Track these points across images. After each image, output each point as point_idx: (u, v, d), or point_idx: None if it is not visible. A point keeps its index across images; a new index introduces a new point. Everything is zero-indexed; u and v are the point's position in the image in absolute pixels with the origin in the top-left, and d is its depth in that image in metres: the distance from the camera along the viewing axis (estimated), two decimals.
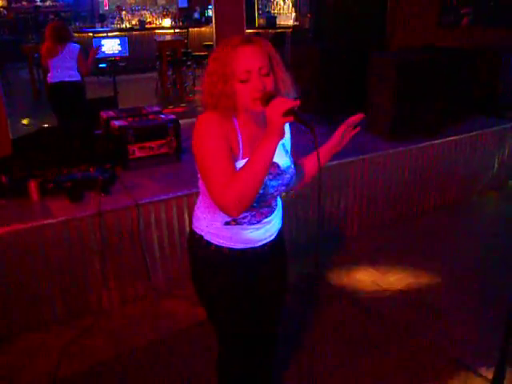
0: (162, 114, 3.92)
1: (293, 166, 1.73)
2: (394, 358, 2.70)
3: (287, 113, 1.39)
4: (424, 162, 4.27)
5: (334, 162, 3.68)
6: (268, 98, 1.48)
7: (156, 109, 4.09)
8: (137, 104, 5.40)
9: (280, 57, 1.62)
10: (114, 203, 3.03)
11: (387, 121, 4.21)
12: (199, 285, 1.84)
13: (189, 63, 10.00)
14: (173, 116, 3.82)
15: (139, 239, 3.07)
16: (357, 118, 1.68)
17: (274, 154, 1.45)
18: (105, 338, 2.91)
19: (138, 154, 3.57)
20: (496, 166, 4.86)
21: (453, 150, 4.43)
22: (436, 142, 4.29)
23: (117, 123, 3.61)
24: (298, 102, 1.40)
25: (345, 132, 1.73)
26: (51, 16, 12.93)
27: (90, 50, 5.67)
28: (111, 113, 3.94)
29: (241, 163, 1.57)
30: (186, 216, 3.20)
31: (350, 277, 3.47)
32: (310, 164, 1.88)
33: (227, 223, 1.68)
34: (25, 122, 7.12)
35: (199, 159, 1.57)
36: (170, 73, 9.73)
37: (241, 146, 1.60)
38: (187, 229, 3.22)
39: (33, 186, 3.04)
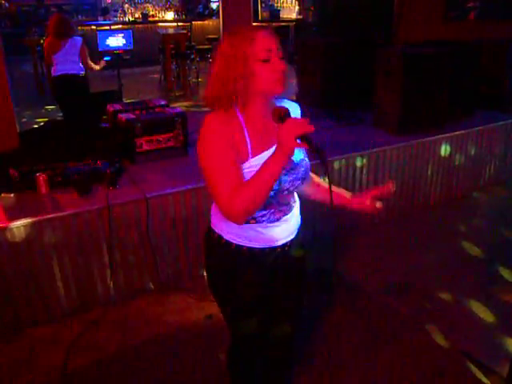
0: (169, 107, 3.92)
1: (306, 159, 1.71)
2: (403, 351, 2.70)
3: (301, 138, 1.37)
4: (430, 156, 4.27)
5: (342, 156, 3.68)
6: (283, 115, 1.46)
7: (162, 102, 4.09)
8: (140, 97, 5.40)
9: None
10: (122, 196, 3.03)
11: (394, 115, 4.20)
12: (216, 282, 1.82)
13: (192, 56, 9.96)
14: (180, 109, 3.82)
15: (147, 232, 3.07)
16: (386, 191, 1.72)
17: (280, 172, 1.45)
18: (113, 331, 2.92)
19: (146, 147, 3.57)
20: (502, 160, 4.85)
21: (459, 145, 4.42)
22: (440, 136, 4.28)
23: (124, 116, 3.61)
24: (312, 128, 1.38)
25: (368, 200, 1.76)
26: (53, 9, 12.86)
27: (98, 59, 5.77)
28: (118, 106, 3.94)
29: (252, 162, 1.55)
30: (194, 209, 3.20)
31: (356, 270, 3.47)
32: (319, 193, 1.90)
33: (247, 222, 1.65)
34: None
35: (203, 163, 1.55)
36: (173, 66, 9.70)
37: (249, 146, 1.57)
38: (195, 222, 3.22)
39: (41, 179, 3.04)
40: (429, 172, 4.32)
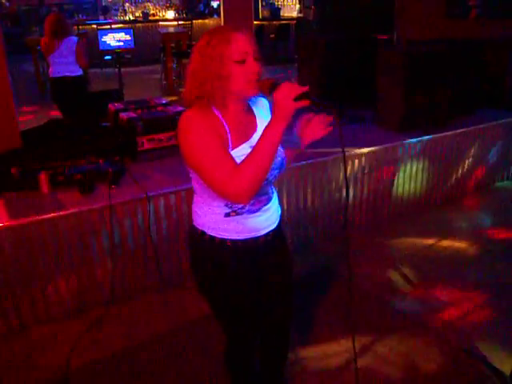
0: (170, 105, 3.92)
1: (282, 150, 1.73)
2: (402, 349, 2.70)
3: (299, 97, 1.39)
4: (432, 154, 4.26)
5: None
6: (272, 86, 1.48)
7: (164, 101, 4.08)
8: (141, 96, 5.39)
9: None
10: (125, 195, 3.03)
11: (396, 113, 4.20)
12: (203, 279, 1.83)
13: None
14: (181, 108, 3.81)
15: (149, 231, 3.08)
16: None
17: (281, 137, 1.45)
18: (116, 329, 2.92)
19: (147, 145, 3.57)
20: (505, 158, 4.85)
21: (461, 143, 4.42)
22: (444, 134, 4.27)
23: (125, 115, 3.61)
24: (307, 88, 1.40)
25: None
26: (54, 9, 12.87)
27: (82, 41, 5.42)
28: (119, 105, 3.94)
29: (232, 153, 1.56)
30: None
31: (357, 269, 3.47)
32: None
33: (227, 215, 1.68)
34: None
35: (192, 157, 1.55)
36: (174, 65, 9.71)
37: (229, 138, 1.59)
38: None
39: (43, 178, 3.04)
40: (430, 172, 4.31)
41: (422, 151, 4.18)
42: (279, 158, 1.69)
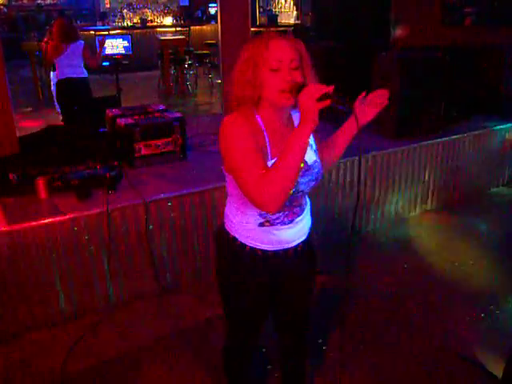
0: (168, 112, 3.94)
1: (319, 161, 1.73)
2: (402, 355, 2.72)
3: (322, 98, 1.38)
4: (427, 161, 4.29)
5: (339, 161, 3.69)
6: (299, 88, 1.47)
7: (161, 107, 4.10)
8: (139, 102, 5.43)
9: (311, 58, 1.62)
10: (122, 200, 3.05)
11: (391, 120, 4.22)
12: (226, 283, 1.85)
13: (191, 61, 10.00)
14: (178, 114, 3.84)
15: (146, 236, 3.09)
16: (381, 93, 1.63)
17: (308, 141, 1.44)
18: (112, 335, 2.92)
19: (144, 151, 3.58)
20: (500, 165, 4.88)
21: (456, 149, 4.45)
22: (439, 140, 4.31)
23: (123, 121, 3.63)
24: (331, 87, 1.39)
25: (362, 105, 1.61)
26: (54, 14, 12.92)
27: (97, 44, 5.78)
28: (117, 111, 3.96)
29: (270, 163, 1.56)
30: (193, 213, 3.22)
31: (355, 274, 3.49)
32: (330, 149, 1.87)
33: (261, 224, 1.68)
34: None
35: (229, 161, 1.56)
36: (172, 71, 9.74)
37: (268, 146, 1.59)
38: (193, 226, 3.24)
39: (41, 183, 3.06)
40: (426, 176, 4.34)
41: (417, 157, 4.21)
42: (316, 170, 1.68)
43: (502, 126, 4.72)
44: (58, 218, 2.84)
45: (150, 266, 3.17)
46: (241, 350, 2.01)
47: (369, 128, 1.71)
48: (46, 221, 2.81)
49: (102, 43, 5.76)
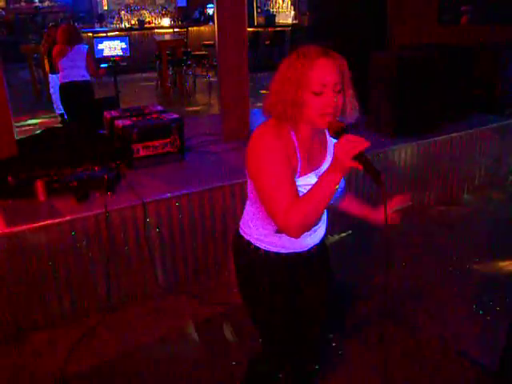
0: (165, 113, 3.95)
1: (343, 180, 1.73)
2: (399, 350, 2.73)
3: (356, 157, 1.35)
4: (424, 159, 4.30)
5: None
6: (340, 131, 1.43)
7: (159, 108, 4.12)
8: (137, 104, 5.45)
9: (350, 74, 1.59)
10: (120, 202, 3.06)
11: (388, 118, 4.24)
12: (245, 286, 1.86)
13: (189, 62, 10.02)
14: (176, 115, 3.84)
15: (145, 237, 3.10)
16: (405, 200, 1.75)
17: (335, 188, 1.42)
18: (111, 336, 2.93)
19: (142, 152, 3.60)
20: (496, 163, 4.89)
21: (452, 147, 4.46)
22: (436, 139, 4.32)
23: (121, 122, 3.64)
24: (368, 143, 1.36)
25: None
26: (52, 17, 12.94)
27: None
28: (115, 112, 3.97)
29: (298, 181, 1.56)
30: (191, 214, 3.23)
31: (355, 273, 3.50)
32: (351, 207, 1.95)
33: (278, 231, 1.68)
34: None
35: (257, 176, 1.55)
36: (169, 72, 9.76)
37: (299, 164, 1.58)
38: (192, 227, 3.25)
39: (39, 185, 3.07)
40: (423, 174, 4.35)
41: (415, 156, 4.22)
42: (339, 189, 1.63)
43: (498, 124, 4.74)
44: (56, 220, 2.85)
45: (149, 267, 3.17)
46: (275, 361, 1.97)
47: (367, 127, 1.72)
48: (45, 223, 2.82)
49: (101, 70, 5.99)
